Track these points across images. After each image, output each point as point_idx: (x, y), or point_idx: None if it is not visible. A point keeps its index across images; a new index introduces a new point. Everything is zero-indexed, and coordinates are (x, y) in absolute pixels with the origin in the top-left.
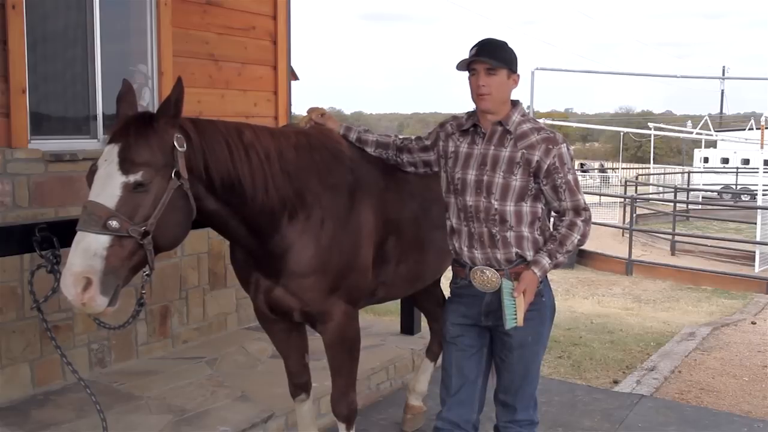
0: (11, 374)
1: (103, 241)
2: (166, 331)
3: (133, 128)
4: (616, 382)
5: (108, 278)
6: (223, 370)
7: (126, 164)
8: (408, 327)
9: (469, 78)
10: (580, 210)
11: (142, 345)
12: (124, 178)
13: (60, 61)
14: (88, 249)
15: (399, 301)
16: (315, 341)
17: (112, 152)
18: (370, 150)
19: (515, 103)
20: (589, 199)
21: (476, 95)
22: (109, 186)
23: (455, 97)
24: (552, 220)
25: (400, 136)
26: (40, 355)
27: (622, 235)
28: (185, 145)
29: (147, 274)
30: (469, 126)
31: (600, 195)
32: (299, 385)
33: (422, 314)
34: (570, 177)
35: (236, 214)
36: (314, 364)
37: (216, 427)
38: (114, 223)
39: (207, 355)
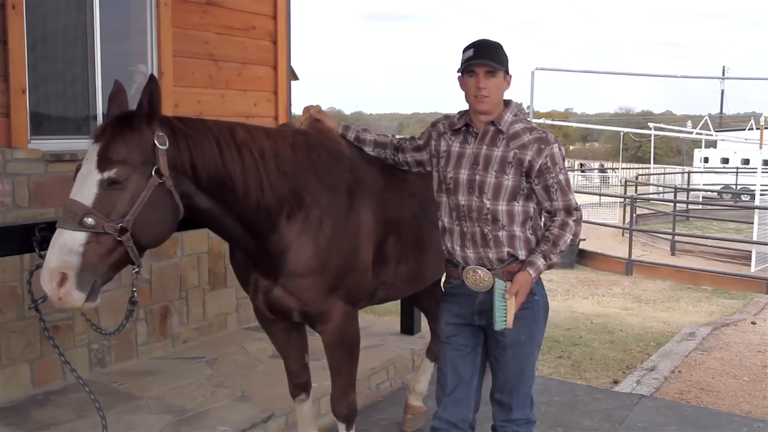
0: (11, 374)
1: (79, 237)
2: (166, 331)
3: (112, 127)
4: (616, 382)
5: (85, 274)
6: (223, 370)
7: (103, 162)
8: (408, 327)
9: (465, 79)
10: (571, 210)
11: (142, 345)
12: (100, 176)
13: (60, 61)
14: (65, 245)
15: (399, 301)
16: (315, 341)
17: (93, 151)
18: (368, 149)
19: (507, 103)
20: (588, 199)
21: (474, 97)
22: (87, 184)
23: (456, 97)
24: (542, 219)
25: (398, 136)
26: (40, 355)
27: (622, 235)
28: (167, 143)
29: (136, 272)
30: (461, 125)
31: (600, 195)
32: (299, 385)
33: (422, 314)
34: (561, 177)
35: (231, 213)
36: (314, 364)
37: (216, 427)
38: (90, 220)
39: (207, 355)
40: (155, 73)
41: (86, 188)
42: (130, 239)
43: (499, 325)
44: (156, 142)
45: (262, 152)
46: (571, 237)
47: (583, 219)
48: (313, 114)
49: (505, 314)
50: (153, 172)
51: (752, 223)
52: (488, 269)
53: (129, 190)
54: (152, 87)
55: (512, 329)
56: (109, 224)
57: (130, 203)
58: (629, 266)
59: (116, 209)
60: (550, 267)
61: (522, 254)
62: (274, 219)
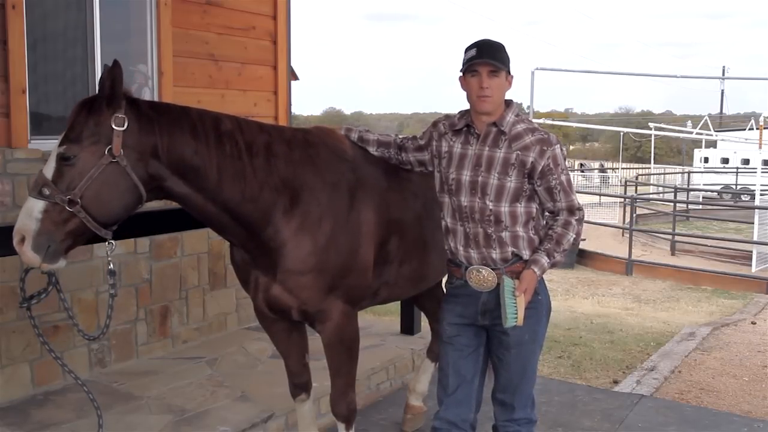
0: (11, 374)
1: (39, 205)
2: (166, 331)
3: (77, 108)
4: (616, 382)
5: (40, 238)
6: (223, 370)
7: (62, 139)
8: (408, 327)
9: (467, 79)
10: (574, 210)
11: (142, 345)
12: (57, 152)
13: (60, 61)
14: (27, 211)
15: (399, 300)
16: (315, 341)
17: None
18: (372, 149)
19: (509, 103)
20: (588, 199)
21: (477, 97)
22: (52, 159)
23: (457, 97)
24: (545, 219)
25: (400, 136)
26: (40, 355)
27: (622, 235)
28: (126, 125)
29: (109, 244)
30: (462, 126)
31: (600, 195)
32: (299, 385)
33: (423, 314)
34: (563, 178)
35: (214, 202)
36: (314, 364)
37: (216, 427)
38: (46, 191)
39: (207, 355)
40: (155, 73)
41: (50, 163)
42: (81, 211)
43: (510, 323)
44: (112, 123)
45: (250, 144)
46: (573, 236)
47: (584, 219)
48: None
49: (515, 311)
50: (106, 152)
51: (752, 223)
52: (492, 269)
53: (78, 166)
54: (115, 72)
55: (517, 328)
56: (59, 196)
57: (79, 178)
58: (629, 266)
59: (67, 183)
60: (553, 266)
61: (526, 254)
62: (266, 211)
